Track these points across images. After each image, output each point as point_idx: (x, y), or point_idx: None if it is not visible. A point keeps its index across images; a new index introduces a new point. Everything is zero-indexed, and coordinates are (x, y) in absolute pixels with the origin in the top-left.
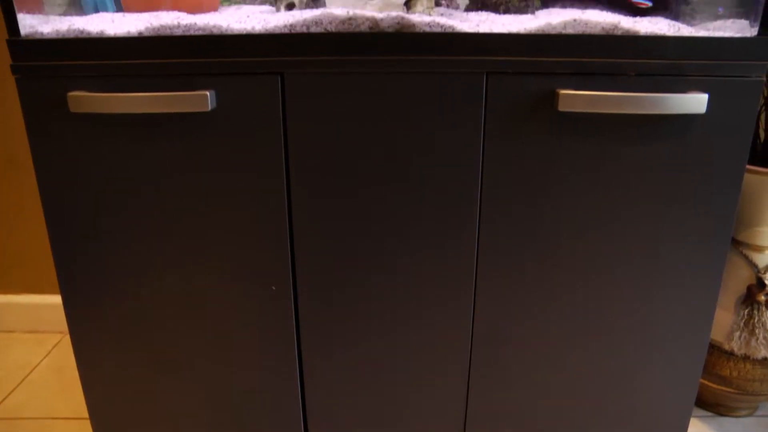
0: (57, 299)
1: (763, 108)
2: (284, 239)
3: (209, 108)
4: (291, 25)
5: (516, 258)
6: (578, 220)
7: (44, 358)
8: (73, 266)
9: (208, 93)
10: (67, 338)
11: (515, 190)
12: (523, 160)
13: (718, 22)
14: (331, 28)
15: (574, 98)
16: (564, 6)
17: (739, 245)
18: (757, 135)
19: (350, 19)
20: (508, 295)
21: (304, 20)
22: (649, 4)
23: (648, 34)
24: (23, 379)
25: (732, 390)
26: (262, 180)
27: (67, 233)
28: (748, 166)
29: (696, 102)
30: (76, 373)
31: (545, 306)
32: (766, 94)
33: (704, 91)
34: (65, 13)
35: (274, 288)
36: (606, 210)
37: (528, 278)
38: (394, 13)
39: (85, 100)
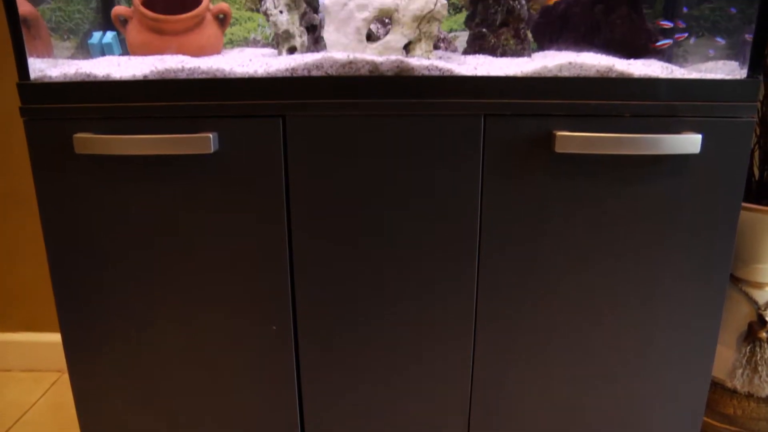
0: (55, 337)
1: (757, 146)
2: (285, 280)
3: (212, 150)
4: (292, 69)
5: (516, 298)
6: (577, 259)
7: (41, 397)
8: (74, 305)
9: (210, 135)
10: (65, 377)
11: (514, 230)
12: (521, 200)
13: (710, 64)
14: (332, 71)
15: (571, 140)
16: (559, 49)
17: (738, 282)
18: (751, 173)
19: (351, 62)
20: (507, 335)
21: (306, 64)
22: (671, 42)
23: (642, 76)
24: (19, 419)
25: (737, 429)
26: (264, 221)
27: (68, 272)
28: (744, 204)
29: (690, 142)
30: (73, 413)
31: (545, 345)
32: (758, 133)
33: (698, 131)
34: (73, 56)
35: (274, 328)
36: (604, 249)
37: (528, 317)
38: (393, 57)
39: (90, 141)
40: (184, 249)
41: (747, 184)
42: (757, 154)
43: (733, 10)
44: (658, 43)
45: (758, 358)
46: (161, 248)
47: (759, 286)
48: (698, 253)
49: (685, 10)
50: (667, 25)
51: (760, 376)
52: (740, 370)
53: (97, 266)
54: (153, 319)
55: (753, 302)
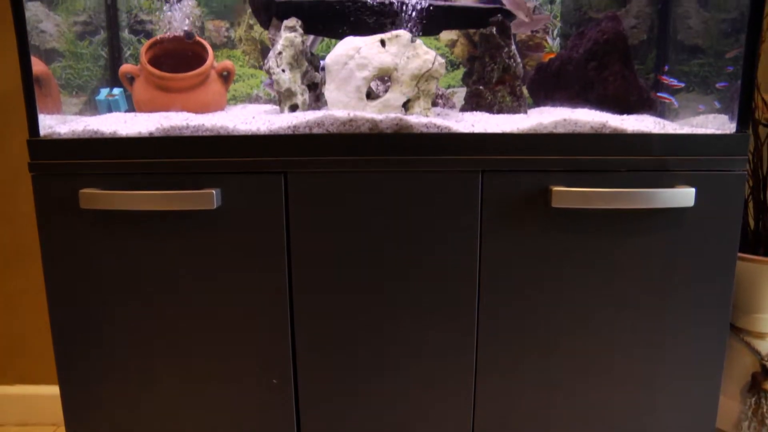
0: (50, 390)
1: (750, 197)
2: (285, 334)
3: (214, 206)
4: (294, 127)
5: (515, 354)
6: (577, 311)
7: None
8: (74, 359)
9: (213, 191)
10: (60, 430)
11: (513, 285)
12: (520, 254)
13: (700, 118)
14: (333, 129)
15: (567, 195)
16: (554, 104)
17: (740, 332)
18: (746, 223)
19: (351, 120)
20: (507, 391)
21: (307, 122)
22: (672, 99)
23: (635, 131)
24: None
25: None
26: (265, 277)
27: (69, 325)
28: (741, 255)
29: (684, 196)
30: None
31: (547, 397)
32: (751, 184)
33: (691, 185)
34: (81, 112)
35: (275, 381)
36: (604, 301)
37: (529, 370)
38: (392, 115)
39: (95, 197)
40: (185, 304)
41: (743, 235)
42: (750, 204)
43: (731, 68)
44: (660, 94)
45: (764, 410)
46: (162, 303)
47: (761, 336)
48: (698, 304)
49: (666, 67)
50: (666, 79)
51: None
52: (746, 423)
53: (97, 320)
54: (153, 374)
55: (755, 353)
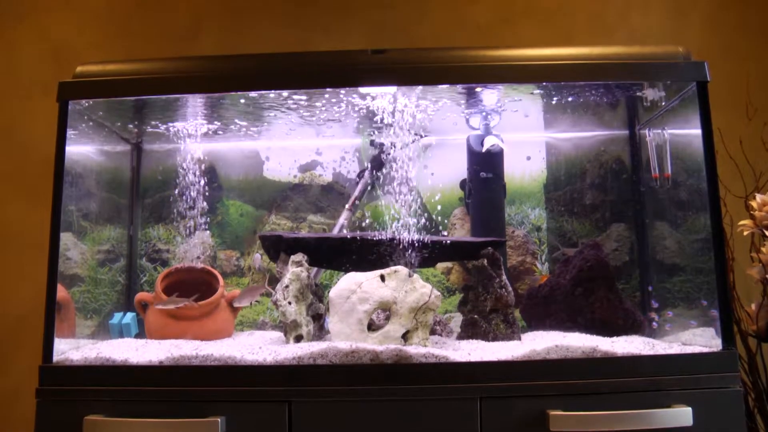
0: None
1: (756, 410)
2: None
3: None
4: (299, 357)
5: None
6: None
7: None
8: None
9: (219, 420)
10: None
11: None
12: None
13: (688, 333)
14: (336, 360)
15: (564, 419)
16: (546, 328)
17: None
18: None
19: (353, 352)
20: None
21: (311, 353)
22: (655, 320)
23: (625, 354)
24: None
25: None
26: None
27: None
28: None
29: (681, 415)
30: None
31: None
32: (753, 397)
33: (687, 403)
34: (94, 334)
35: None
36: None
37: None
38: (392, 346)
39: (101, 424)
40: None
41: None
42: (758, 419)
43: (704, 302)
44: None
45: None
46: None
47: None
48: None
49: (650, 288)
50: (655, 316)
51: None
52: None
53: None
54: None
55: None
